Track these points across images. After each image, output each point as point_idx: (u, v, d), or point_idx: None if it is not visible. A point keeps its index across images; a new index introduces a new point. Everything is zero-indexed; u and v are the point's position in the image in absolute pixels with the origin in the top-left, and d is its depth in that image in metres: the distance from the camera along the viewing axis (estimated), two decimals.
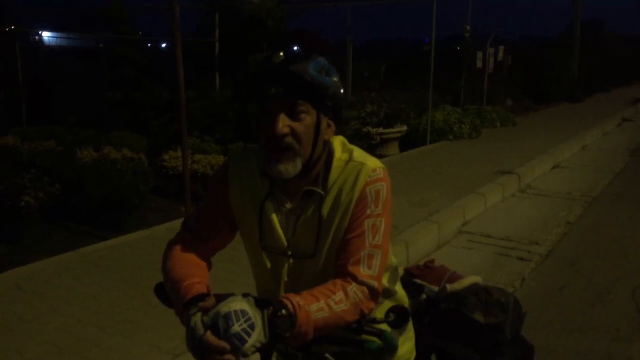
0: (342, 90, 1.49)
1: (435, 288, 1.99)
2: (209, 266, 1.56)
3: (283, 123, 1.38)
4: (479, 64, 14.20)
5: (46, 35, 14.59)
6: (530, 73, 18.73)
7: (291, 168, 1.41)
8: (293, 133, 1.40)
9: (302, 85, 1.38)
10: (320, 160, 1.49)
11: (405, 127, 10.72)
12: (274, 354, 1.60)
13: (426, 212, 5.96)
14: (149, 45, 14.99)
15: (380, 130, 10.24)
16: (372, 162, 1.50)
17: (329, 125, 1.48)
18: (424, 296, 1.99)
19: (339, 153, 1.51)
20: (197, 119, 9.19)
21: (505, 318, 1.86)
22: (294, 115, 1.40)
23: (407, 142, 10.77)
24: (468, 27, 13.02)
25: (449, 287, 1.96)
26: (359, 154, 1.52)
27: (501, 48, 15.53)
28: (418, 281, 2.03)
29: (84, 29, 13.91)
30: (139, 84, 10.17)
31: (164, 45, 17.71)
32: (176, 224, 5.50)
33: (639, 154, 10.79)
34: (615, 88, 25.32)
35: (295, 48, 1.48)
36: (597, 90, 22.40)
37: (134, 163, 6.60)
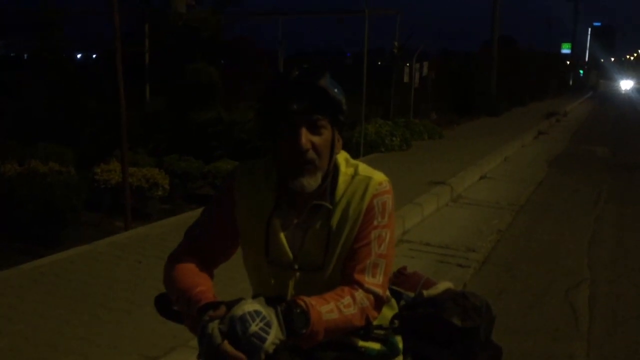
0: None
1: (412, 294, 2.06)
2: (211, 277, 1.55)
3: (306, 138, 1.42)
4: (405, 79, 14.66)
5: None
6: (452, 87, 19.44)
7: (313, 181, 1.46)
8: (314, 147, 1.43)
9: (325, 101, 1.43)
10: (329, 175, 1.52)
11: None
12: None
13: None
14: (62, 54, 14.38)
15: None
16: (378, 176, 1.55)
17: (338, 140, 1.52)
18: (402, 302, 2.06)
19: (344, 168, 1.55)
20: (130, 130, 8.95)
21: (480, 322, 1.96)
22: (314, 130, 1.44)
23: None
24: (397, 44, 13.39)
25: (425, 292, 2.03)
26: (363, 168, 1.57)
27: (425, 63, 16.08)
28: (395, 288, 2.10)
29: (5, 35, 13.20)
30: (67, 94, 9.79)
31: (79, 55, 17.15)
32: (119, 238, 5.36)
33: (557, 165, 11.47)
34: (531, 102, 26.73)
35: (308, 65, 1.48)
36: (514, 104, 23.53)
37: (64, 177, 6.35)
